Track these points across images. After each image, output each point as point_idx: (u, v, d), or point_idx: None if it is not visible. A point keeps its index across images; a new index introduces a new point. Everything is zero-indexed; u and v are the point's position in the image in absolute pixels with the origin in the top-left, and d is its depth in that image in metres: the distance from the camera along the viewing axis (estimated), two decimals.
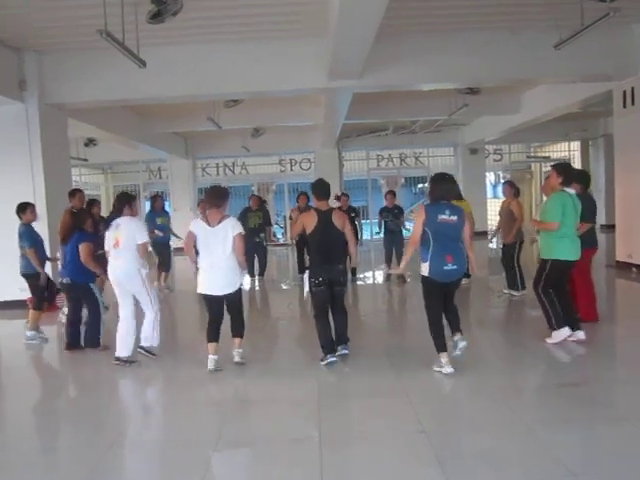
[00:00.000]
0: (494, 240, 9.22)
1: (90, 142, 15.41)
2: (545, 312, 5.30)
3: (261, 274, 10.29)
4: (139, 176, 18.36)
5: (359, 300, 8.89)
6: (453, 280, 4.58)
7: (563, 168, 5.27)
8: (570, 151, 18.93)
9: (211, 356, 4.88)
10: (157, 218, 9.40)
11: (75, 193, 7.17)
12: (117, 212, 5.32)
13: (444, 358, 4.55)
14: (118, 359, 5.19)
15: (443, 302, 4.66)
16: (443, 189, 4.56)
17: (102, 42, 5.63)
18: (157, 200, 9.72)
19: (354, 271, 9.74)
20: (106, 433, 3.82)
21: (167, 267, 9.52)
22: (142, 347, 5.36)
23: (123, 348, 5.19)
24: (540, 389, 4.44)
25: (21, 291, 6.89)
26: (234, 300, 4.95)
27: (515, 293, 7.64)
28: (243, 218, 9.75)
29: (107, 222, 5.45)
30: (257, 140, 15.73)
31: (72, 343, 5.75)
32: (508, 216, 7.55)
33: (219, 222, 4.77)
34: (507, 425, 3.60)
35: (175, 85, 8.14)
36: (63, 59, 8.09)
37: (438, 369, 4.57)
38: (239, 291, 4.96)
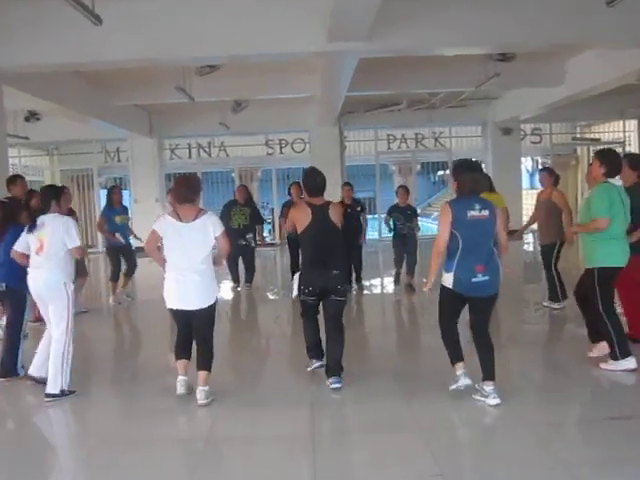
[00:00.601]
0: (528, 238, 9.22)
1: (32, 116, 15.37)
2: (608, 336, 5.27)
3: (248, 281, 10.33)
4: (93, 158, 18.35)
5: (363, 312, 8.93)
6: (484, 295, 4.56)
7: (607, 156, 5.29)
8: (625, 132, 19.02)
9: (181, 377, 4.86)
10: (116, 216, 9.27)
11: (16, 180, 7.18)
12: (41, 209, 5.27)
13: (460, 369, 4.59)
14: (49, 395, 5.08)
15: (471, 323, 4.69)
16: (473, 179, 4.54)
17: None
18: (115, 193, 9.56)
19: (359, 277, 9.78)
20: None
21: (132, 271, 9.51)
22: (50, 394, 5.06)
23: (57, 379, 5.08)
24: (585, 423, 4.47)
25: None
26: (205, 319, 4.86)
27: (555, 305, 7.66)
28: (226, 216, 9.75)
29: (29, 225, 5.29)
30: (239, 116, 15.72)
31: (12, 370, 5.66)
32: (548, 210, 7.55)
33: (195, 218, 4.74)
34: (545, 468, 3.62)
35: (138, 47, 8.10)
36: None
37: (454, 386, 4.61)
38: (213, 308, 4.89)
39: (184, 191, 4.81)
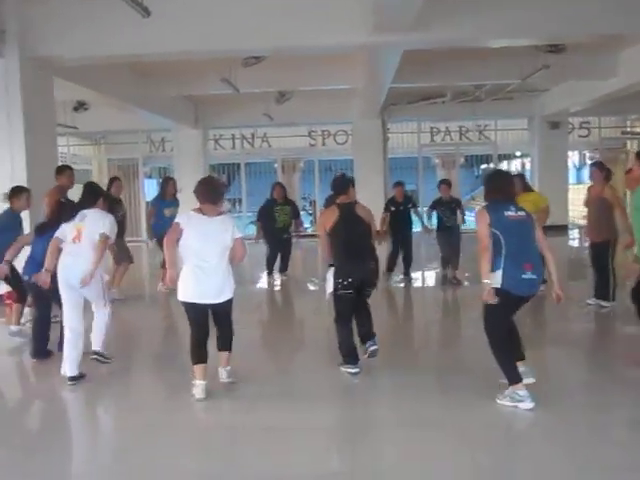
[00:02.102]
0: (573, 234, 9.05)
1: (80, 106, 15.70)
2: None
3: (283, 270, 10.44)
4: (138, 148, 18.64)
5: (410, 305, 8.93)
6: (531, 293, 4.53)
7: None
8: None
9: (199, 382, 4.77)
10: (165, 209, 9.18)
11: (64, 170, 7.35)
12: (87, 204, 5.46)
13: (522, 390, 4.41)
14: (98, 353, 5.44)
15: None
16: (501, 185, 4.60)
17: None
18: (169, 184, 9.48)
19: (407, 270, 9.88)
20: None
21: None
22: (97, 352, 5.47)
23: (72, 364, 5.24)
24: (628, 426, 4.37)
25: None
26: (227, 310, 4.96)
27: (604, 304, 7.48)
28: (269, 216, 9.89)
29: (71, 213, 5.47)
30: (282, 107, 15.74)
31: (39, 350, 5.89)
32: (599, 207, 7.32)
33: (218, 215, 4.85)
34: (583, 471, 3.57)
35: (185, 39, 8.22)
36: (50, 6, 8.25)
37: (508, 404, 4.44)
38: (230, 302, 4.95)
39: (205, 194, 4.86)
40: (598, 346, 6.52)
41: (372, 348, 5.33)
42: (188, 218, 4.84)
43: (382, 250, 11.24)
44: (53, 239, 5.39)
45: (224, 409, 4.79)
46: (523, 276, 4.37)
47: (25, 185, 7.17)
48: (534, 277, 4.40)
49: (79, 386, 5.19)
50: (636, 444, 3.98)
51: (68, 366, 5.23)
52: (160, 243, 9.34)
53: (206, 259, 4.74)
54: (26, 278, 5.90)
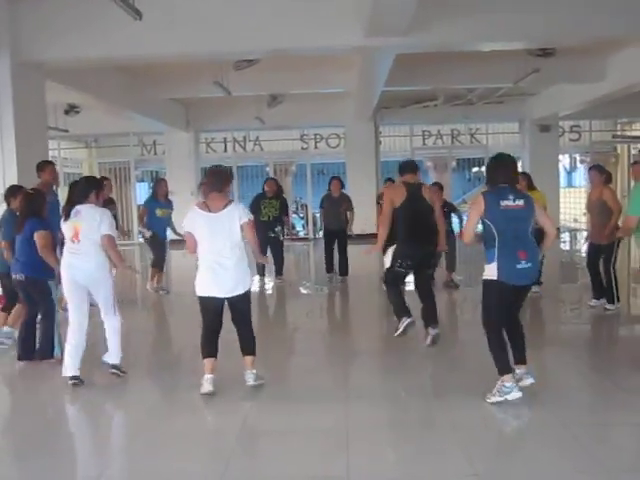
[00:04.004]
0: (565, 237, 9.10)
1: (72, 109, 15.63)
2: None
3: (278, 273, 10.36)
4: (130, 151, 18.58)
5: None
6: (527, 283, 4.57)
7: None
8: None
9: (207, 375, 4.83)
10: (157, 209, 9.29)
11: (45, 166, 7.23)
12: (79, 199, 5.32)
13: (509, 381, 4.46)
14: (114, 366, 5.32)
15: (506, 315, 4.62)
16: (504, 170, 4.57)
17: None
18: (162, 186, 9.57)
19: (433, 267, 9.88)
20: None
21: (161, 265, 9.62)
22: (115, 366, 5.33)
23: (74, 364, 5.20)
24: (627, 427, 4.36)
25: None
26: (243, 305, 4.95)
27: (609, 307, 7.47)
28: (255, 207, 9.85)
29: (66, 211, 5.36)
30: (274, 110, 15.76)
31: (25, 352, 5.83)
32: (600, 210, 7.32)
33: (223, 208, 4.81)
34: (581, 472, 3.56)
35: (176, 41, 8.18)
36: (41, 9, 8.20)
37: (498, 399, 4.48)
38: (249, 294, 4.98)
39: (215, 180, 4.90)
40: (599, 348, 6.54)
41: (433, 332, 5.67)
42: (193, 220, 4.84)
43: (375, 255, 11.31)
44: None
45: (225, 411, 4.75)
46: (518, 266, 4.39)
47: None
48: (529, 265, 4.42)
49: (77, 391, 5.15)
50: (634, 446, 3.99)
51: (71, 364, 5.17)
52: (150, 241, 9.45)
53: (219, 254, 4.79)
54: (17, 276, 5.81)
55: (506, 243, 4.40)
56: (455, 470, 3.61)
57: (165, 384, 5.43)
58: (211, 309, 4.89)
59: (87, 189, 5.36)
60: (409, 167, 5.97)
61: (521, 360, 4.62)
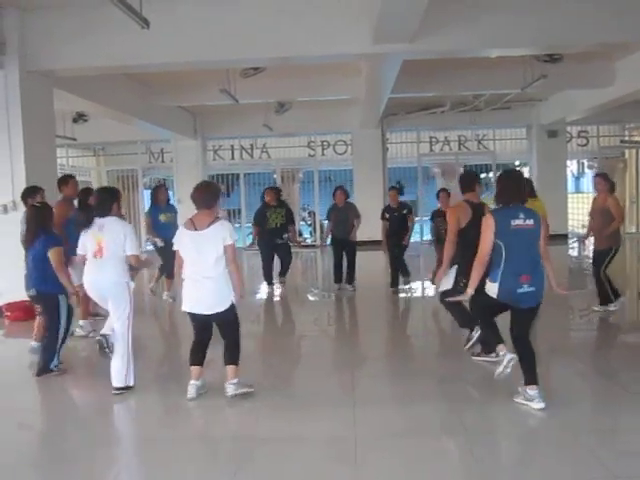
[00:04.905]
0: (586, 244, 9.10)
1: (80, 117, 15.73)
2: None
3: (282, 274, 10.38)
4: (137, 159, 18.62)
5: (408, 314, 8.95)
6: (528, 306, 4.53)
7: None
8: None
9: (193, 381, 4.99)
10: (160, 214, 9.33)
11: (68, 180, 7.30)
12: (101, 212, 5.28)
13: (502, 350, 4.57)
14: (117, 388, 5.22)
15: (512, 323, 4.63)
16: (515, 188, 4.55)
17: None
18: (160, 191, 9.64)
19: (403, 278, 9.78)
20: None
21: (170, 272, 9.60)
22: (117, 387, 5.21)
23: (123, 372, 5.22)
24: (634, 432, 4.33)
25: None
26: (227, 321, 4.98)
27: (611, 308, 7.56)
28: (261, 217, 9.87)
29: (84, 222, 5.35)
30: (281, 117, 15.79)
31: (44, 367, 5.74)
32: (603, 216, 7.45)
33: (208, 225, 4.83)
34: (589, 477, 3.55)
35: (184, 49, 8.22)
36: (50, 18, 8.26)
37: (500, 369, 4.57)
38: (232, 310, 4.97)
39: (201, 197, 4.91)
40: (603, 352, 6.51)
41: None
42: (179, 237, 4.95)
43: (381, 262, 11.32)
44: (79, 257, 5.34)
45: (227, 420, 4.76)
46: (519, 290, 4.39)
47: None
48: (531, 289, 4.40)
49: (81, 397, 5.15)
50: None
51: (115, 376, 5.20)
52: (160, 251, 9.46)
53: (199, 271, 4.85)
54: (30, 292, 5.82)
55: (512, 264, 4.38)
56: (463, 476, 3.59)
57: (172, 392, 5.40)
58: (197, 323, 5.03)
59: (108, 201, 5.33)
60: (467, 183, 5.68)
61: (532, 381, 4.54)
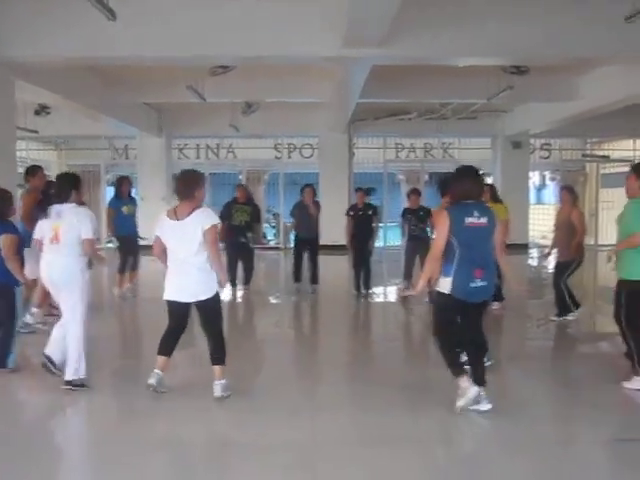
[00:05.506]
0: (549, 258, 9.21)
1: (42, 110, 15.36)
2: (629, 351, 5.21)
3: (246, 282, 10.24)
4: (100, 155, 18.35)
5: (371, 321, 8.96)
6: (480, 301, 4.57)
7: None
8: (636, 150, 18.92)
9: (156, 370, 4.90)
10: (123, 207, 9.38)
11: (36, 171, 7.20)
12: (60, 199, 5.19)
13: (464, 382, 4.48)
14: (69, 382, 5.07)
15: (467, 332, 4.64)
16: (469, 185, 4.56)
17: None
18: (124, 184, 9.64)
19: (367, 284, 9.72)
20: None
21: (135, 265, 9.51)
22: (70, 382, 5.07)
23: (74, 366, 5.07)
24: (591, 444, 4.37)
25: None
26: (210, 312, 4.91)
27: (569, 317, 7.68)
28: (227, 212, 9.78)
29: (42, 209, 5.29)
30: (249, 118, 15.69)
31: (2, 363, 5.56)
32: (567, 229, 7.53)
33: (189, 214, 4.77)
34: None
35: (151, 43, 8.05)
36: (12, 6, 8.02)
37: (462, 403, 4.46)
38: (216, 299, 4.90)
39: (181, 187, 4.87)
40: (563, 363, 6.55)
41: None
42: (161, 225, 4.88)
43: (345, 266, 11.32)
44: (34, 242, 5.23)
45: (190, 422, 4.63)
46: (472, 284, 4.41)
47: None
48: (484, 284, 4.44)
49: (36, 397, 4.98)
50: (594, 462, 3.99)
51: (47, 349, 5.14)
52: (122, 242, 9.36)
53: (184, 260, 4.79)
54: None
55: (464, 260, 4.40)
56: None
57: (128, 392, 5.27)
58: (174, 313, 4.95)
59: (67, 187, 5.23)
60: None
61: (479, 382, 4.55)
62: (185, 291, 4.84)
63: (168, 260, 4.90)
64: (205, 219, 4.76)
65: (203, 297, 4.82)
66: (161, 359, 4.92)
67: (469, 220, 4.42)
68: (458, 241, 4.40)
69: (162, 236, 4.87)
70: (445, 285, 4.48)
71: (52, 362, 5.20)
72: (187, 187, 4.83)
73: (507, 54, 8.73)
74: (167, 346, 4.95)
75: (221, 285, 4.96)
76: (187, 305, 4.89)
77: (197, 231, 4.73)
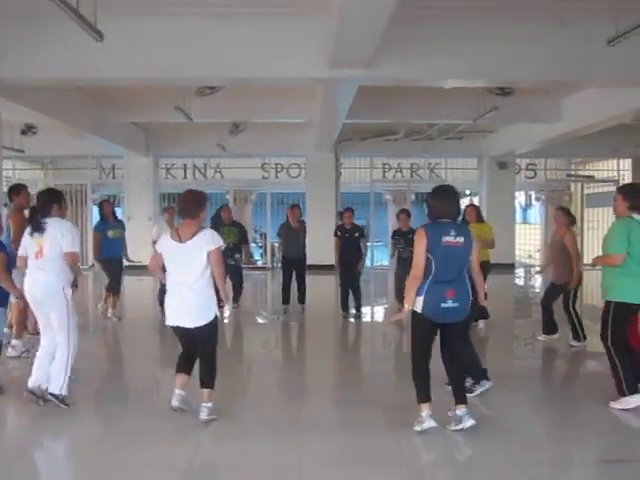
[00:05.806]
0: (539, 277, 9.21)
1: (29, 129, 15.34)
2: (614, 371, 5.22)
3: (235, 300, 10.18)
4: (87, 174, 18.24)
5: (360, 341, 8.94)
6: (452, 322, 4.54)
7: (631, 190, 5.27)
8: (620, 170, 19.12)
9: (177, 391, 4.84)
10: (109, 230, 9.22)
11: (20, 190, 7.11)
12: (42, 213, 5.20)
13: (425, 411, 4.47)
14: (53, 394, 5.04)
15: (441, 346, 4.65)
16: (446, 204, 4.58)
17: (50, 7, 5.59)
18: (106, 206, 9.55)
19: (358, 305, 9.68)
20: None
21: (117, 289, 9.39)
22: (53, 394, 5.06)
23: (60, 379, 5.04)
24: (576, 465, 4.38)
25: None
26: (207, 336, 4.86)
27: (574, 343, 7.56)
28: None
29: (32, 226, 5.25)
30: (236, 138, 15.73)
31: None
32: (561, 251, 7.47)
33: (192, 236, 4.71)
34: None
35: (138, 65, 8.05)
36: None
37: (417, 428, 4.47)
38: (213, 324, 4.86)
39: (185, 206, 4.84)
40: (549, 382, 6.57)
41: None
42: (164, 244, 4.86)
43: (332, 286, 11.30)
44: (19, 259, 5.24)
45: (173, 444, 4.57)
46: (442, 305, 4.40)
47: None
48: (455, 305, 4.42)
49: (18, 419, 4.90)
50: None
51: (31, 380, 5.07)
52: (105, 265, 9.29)
53: (183, 284, 4.75)
54: None
55: (438, 279, 4.40)
56: None
57: (113, 414, 5.21)
58: (181, 337, 4.94)
59: (49, 202, 5.25)
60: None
61: (461, 400, 4.55)
62: (186, 317, 4.78)
63: (168, 284, 4.86)
64: (210, 241, 4.73)
65: (201, 323, 4.78)
66: (179, 377, 4.87)
67: (446, 239, 4.42)
68: (434, 259, 4.39)
69: (163, 256, 4.83)
70: (418, 304, 4.46)
71: (36, 395, 5.10)
72: (194, 206, 4.79)
73: (491, 76, 8.82)
74: (184, 366, 4.90)
75: (224, 301, 5.04)
76: (191, 329, 4.81)
77: (202, 253, 4.69)
